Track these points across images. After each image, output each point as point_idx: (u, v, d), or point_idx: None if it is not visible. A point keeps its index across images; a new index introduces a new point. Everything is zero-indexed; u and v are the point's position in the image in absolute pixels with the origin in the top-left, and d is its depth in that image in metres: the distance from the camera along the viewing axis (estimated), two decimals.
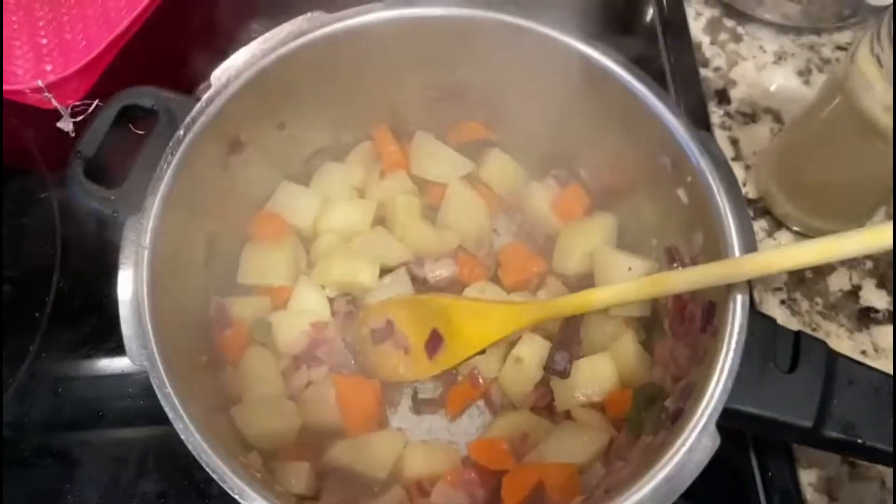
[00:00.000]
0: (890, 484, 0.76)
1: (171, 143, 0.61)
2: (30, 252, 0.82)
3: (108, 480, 0.72)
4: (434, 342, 0.74)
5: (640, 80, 0.65)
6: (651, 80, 0.66)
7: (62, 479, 0.72)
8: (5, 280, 0.81)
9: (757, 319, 0.58)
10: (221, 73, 0.64)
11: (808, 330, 0.83)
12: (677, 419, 0.57)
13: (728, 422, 0.55)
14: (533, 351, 0.74)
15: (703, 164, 0.61)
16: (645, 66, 0.74)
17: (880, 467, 0.75)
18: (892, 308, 0.84)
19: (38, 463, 0.73)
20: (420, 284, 0.79)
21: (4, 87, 0.83)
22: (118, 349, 0.76)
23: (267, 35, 0.65)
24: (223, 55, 0.95)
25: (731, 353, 0.55)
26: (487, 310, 0.74)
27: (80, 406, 0.76)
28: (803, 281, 0.85)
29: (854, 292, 0.85)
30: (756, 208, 0.89)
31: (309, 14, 0.66)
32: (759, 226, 0.88)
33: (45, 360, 0.78)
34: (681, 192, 0.66)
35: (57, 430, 0.75)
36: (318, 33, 0.66)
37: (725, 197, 0.60)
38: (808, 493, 0.75)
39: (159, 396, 0.54)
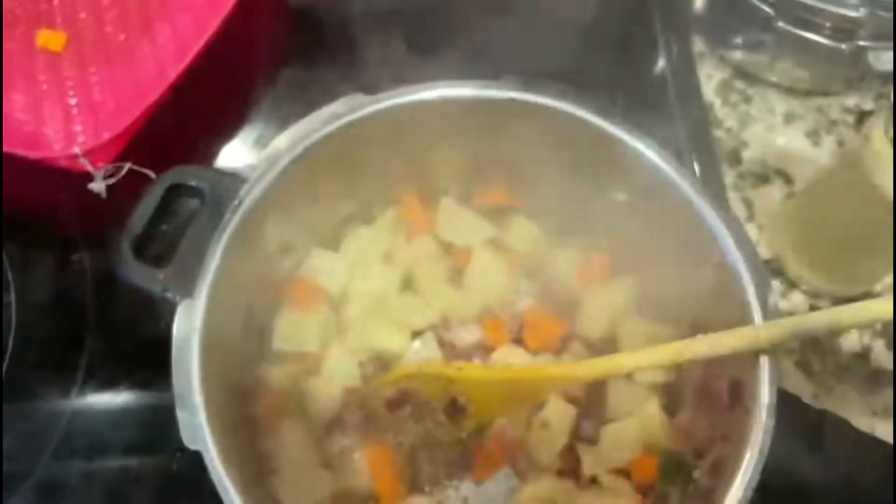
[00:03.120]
0: None
1: (220, 226, 0.63)
2: (63, 315, 0.84)
3: None
4: (454, 408, 0.76)
5: (671, 166, 0.68)
6: (681, 165, 0.68)
7: None
8: (40, 343, 0.82)
9: (783, 399, 0.61)
10: (267, 156, 0.66)
11: (821, 391, 0.86)
12: (710, 498, 0.59)
13: (756, 499, 0.58)
14: (560, 416, 0.76)
15: (731, 248, 0.64)
16: (659, 127, 0.77)
17: None
18: None
19: None
20: (448, 348, 0.81)
21: (39, 153, 0.85)
22: (150, 409, 0.81)
23: (309, 117, 0.68)
24: (247, 112, 0.99)
25: (761, 436, 0.58)
26: (503, 380, 0.75)
27: (117, 465, 0.78)
28: (816, 342, 0.88)
29: (865, 354, 0.88)
30: (769, 269, 0.91)
31: (348, 97, 0.69)
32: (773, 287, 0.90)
33: (79, 421, 0.79)
34: (706, 269, 0.68)
35: (95, 490, 0.77)
36: (357, 115, 0.69)
37: (751, 280, 0.63)
38: None
39: (215, 482, 0.56)
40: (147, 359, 0.80)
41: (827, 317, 0.59)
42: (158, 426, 0.78)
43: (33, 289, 0.85)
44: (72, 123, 0.94)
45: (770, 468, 0.58)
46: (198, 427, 0.57)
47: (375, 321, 0.79)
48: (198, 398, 0.58)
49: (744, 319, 0.64)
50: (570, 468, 0.76)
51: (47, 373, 0.82)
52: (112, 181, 0.87)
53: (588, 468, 0.74)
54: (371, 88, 0.71)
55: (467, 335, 0.82)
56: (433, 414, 0.76)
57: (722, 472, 0.60)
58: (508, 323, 0.84)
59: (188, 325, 0.60)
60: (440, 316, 0.82)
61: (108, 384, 0.81)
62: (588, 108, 0.70)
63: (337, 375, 0.77)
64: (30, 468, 0.76)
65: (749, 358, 0.62)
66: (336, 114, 0.68)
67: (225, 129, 0.97)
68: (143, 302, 0.77)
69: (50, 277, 0.86)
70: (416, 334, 0.81)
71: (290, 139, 0.67)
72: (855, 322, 0.59)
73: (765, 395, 0.59)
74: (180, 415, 0.57)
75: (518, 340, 0.83)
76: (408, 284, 0.84)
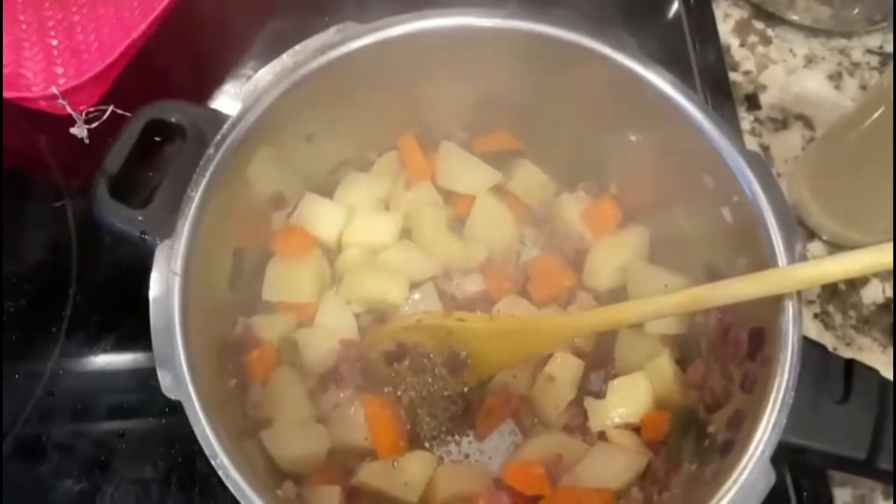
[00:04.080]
0: None
1: (201, 163, 0.59)
2: (46, 264, 0.80)
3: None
4: (453, 361, 0.72)
5: (684, 95, 0.63)
6: (694, 95, 0.63)
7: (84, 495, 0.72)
8: (22, 294, 0.78)
9: (807, 347, 0.57)
10: (252, 89, 0.61)
11: (841, 344, 0.82)
12: (729, 451, 0.55)
13: (779, 454, 0.54)
14: (566, 370, 0.72)
15: (753, 187, 0.59)
16: (673, 69, 0.72)
17: None
18: None
19: (60, 479, 0.72)
20: (448, 300, 0.77)
21: (17, 93, 0.80)
22: (137, 364, 0.77)
23: (297, 48, 0.63)
24: (239, 56, 0.94)
25: (785, 386, 0.54)
26: (505, 331, 0.71)
27: (100, 421, 0.74)
28: (837, 294, 0.83)
29: (887, 305, 0.83)
30: None
31: (340, 25, 0.64)
32: None
33: (63, 376, 0.76)
34: (725, 211, 0.64)
35: (77, 447, 0.73)
36: (350, 46, 0.64)
37: (776, 221, 0.58)
38: None
39: (196, 432, 0.52)
40: (134, 310, 0.77)
41: (864, 257, 0.54)
42: (145, 381, 0.75)
43: (14, 237, 0.81)
44: (53, 65, 0.89)
45: (793, 419, 0.54)
46: (179, 373, 0.53)
47: (372, 271, 0.75)
48: (179, 342, 0.54)
49: (765, 264, 0.59)
50: (576, 423, 0.72)
51: (30, 325, 0.78)
52: (94, 125, 0.82)
53: (595, 424, 0.70)
54: (367, 20, 0.65)
55: (469, 286, 0.78)
56: (433, 367, 0.72)
57: (741, 426, 0.56)
58: (513, 274, 0.80)
59: (168, 269, 0.56)
60: (441, 266, 0.78)
61: (94, 337, 0.77)
62: (600, 38, 0.65)
63: (332, 327, 0.74)
64: (8, 427, 0.73)
65: (771, 304, 0.57)
66: (327, 44, 0.63)
67: (216, 72, 0.92)
68: (129, 250, 0.73)
69: (32, 226, 0.82)
70: (416, 285, 0.77)
71: (276, 72, 0.62)
72: (889, 262, 0.54)
73: (790, 343, 0.55)
74: (159, 359, 0.53)
75: (523, 292, 0.79)
76: (407, 233, 0.80)
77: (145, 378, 0.75)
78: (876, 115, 0.72)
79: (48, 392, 0.74)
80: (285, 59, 0.63)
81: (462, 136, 0.81)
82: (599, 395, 0.71)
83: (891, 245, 0.52)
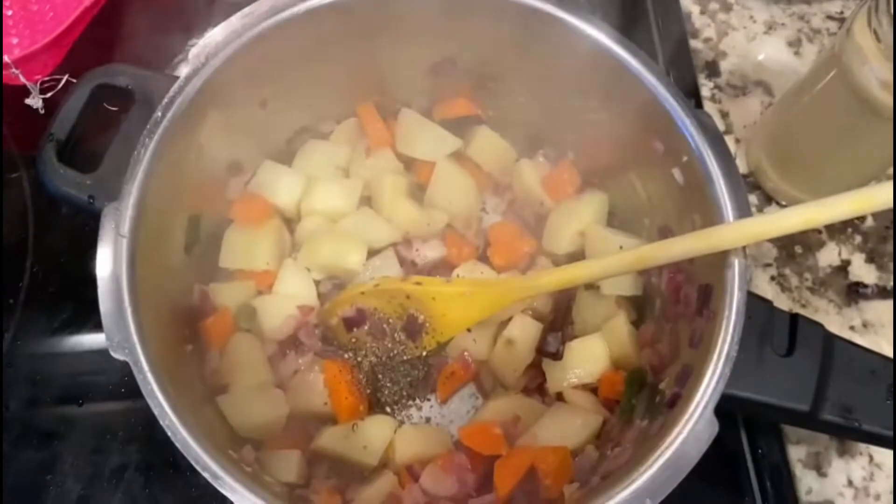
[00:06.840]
0: (878, 458, 0.77)
1: (148, 126, 0.58)
2: (2, 235, 0.79)
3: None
4: (412, 325, 0.72)
5: (637, 57, 0.63)
6: (647, 58, 0.63)
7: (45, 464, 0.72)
8: None
9: (753, 302, 0.58)
10: (200, 51, 0.61)
11: (797, 306, 0.83)
12: (675, 404, 0.56)
13: (724, 406, 0.55)
14: (524, 332, 0.73)
15: (701, 146, 0.60)
16: (634, 37, 0.72)
17: None
18: (880, 283, 0.84)
19: (19, 450, 0.72)
20: (408, 266, 0.77)
21: None
22: (97, 334, 0.77)
23: (247, 10, 0.62)
24: (199, 24, 0.93)
25: (729, 339, 0.55)
26: (462, 293, 0.71)
27: (60, 391, 0.74)
28: (793, 256, 0.84)
29: (843, 267, 0.84)
30: (746, 183, 0.87)
31: None
32: (749, 201, 0.87)
33: (21, 346, 0.75)
34: (676, 172, 0.64)
35: (36, 417, 0.73)
36: (301, 7, 0.63)
37: (723, 180, 0.59)
38: (798, 468, 0.76)
39: (144, 393, 0.52)
40: (92, 280, 0.77)
41: (803, 212, 0.54)
42: (104, 350, 0.74)
43: None
44: (8, 35, 0.87)
45: (737, 374, 0.55)
46: (127, 333, 0.53)
47: (330, 237, 0.75)
48: (126, 301, 0.54)
49: (714, 223, 0.60)
50: (535, 385, 0.73)
51: None
52: (49, 95, 0.81)
53: (553, 385, 0.71)
54: None
55: (429, 252, 0.78)
56: (393, 332, 0.73)
57: (687, 380, 0.57)
58: (473, 240, 0.80)
59: (115, 232, 0.56)
60: (401, 233, 0.78)
61: (52, 308, 0.77)
62: (558, 4, 0.65)
63: (291, 294, 0.74)
64: None
65: (719, 262, 0.58)
66: (277, 6, 0.63)
67: (174, 40, 0.91)
68: (86, 221, 0.72)
69: None
70: (376, 252, 0.77)
71: (225, 35, 0.61)
72: (829, 218, 0.55)
73: (734, 298, 0.55)
74: (106, 320, 0.53)
75: (483, 258, 0.79)
76: (367, 201, 0.80)
77: (105, 347, 0.74)
78: (827, 78, 0.72)
79: (6, 363, 0.74)
80: (235, 21, 0.62)
81: (422, 103, 0.81)
82: (556, 356, 0.72)
83: (826, 201, 0.53)
